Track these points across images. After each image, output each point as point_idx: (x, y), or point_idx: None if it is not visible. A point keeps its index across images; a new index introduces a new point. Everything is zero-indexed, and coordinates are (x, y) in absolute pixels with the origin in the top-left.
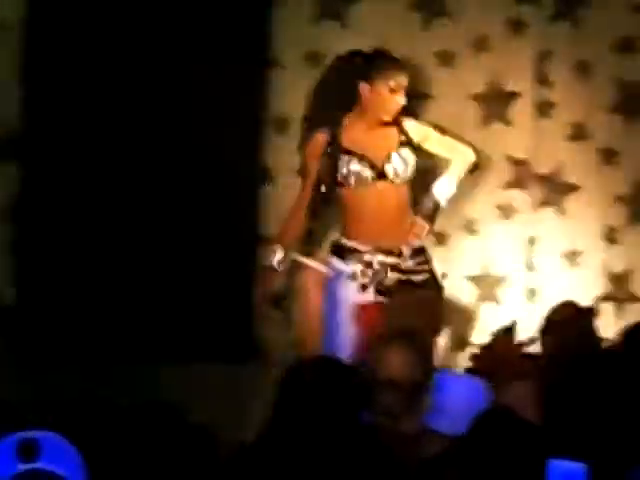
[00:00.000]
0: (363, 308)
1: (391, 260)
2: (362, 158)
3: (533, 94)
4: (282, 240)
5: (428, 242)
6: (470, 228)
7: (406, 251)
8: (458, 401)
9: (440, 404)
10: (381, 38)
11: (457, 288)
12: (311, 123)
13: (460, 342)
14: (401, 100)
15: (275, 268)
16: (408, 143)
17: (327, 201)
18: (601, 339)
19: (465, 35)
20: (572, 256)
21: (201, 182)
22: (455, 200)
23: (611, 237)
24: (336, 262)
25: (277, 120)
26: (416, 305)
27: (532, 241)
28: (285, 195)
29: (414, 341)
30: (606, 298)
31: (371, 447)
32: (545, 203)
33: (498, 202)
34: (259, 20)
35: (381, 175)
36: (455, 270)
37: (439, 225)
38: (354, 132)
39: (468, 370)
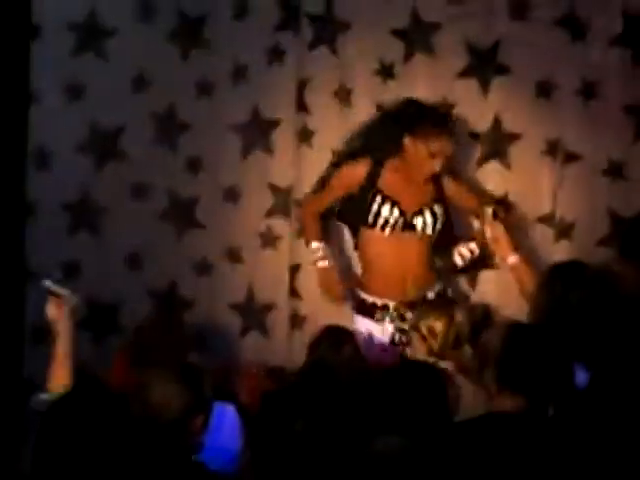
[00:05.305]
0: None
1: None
2: (394, 204)
3: (294, 121)
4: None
5: None
6: (234, 256)
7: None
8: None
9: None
10: (140, 69)
11: (221, 316)
12: (347, 157)
13: None
14: (437, 166)
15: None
16: (441, 199)
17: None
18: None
19: (224, 65)
20: None
21: None
22: (217, 229)
23: None
24: (362, 320)
25: (38, 154)
26: None
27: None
28: (49, 229)
29: None
30: None
31: None
32: None
33: (260, 230)
34: (19, 54)
35: (409, 226)
36: (219, 299)
37: (202, 252)
38: (391, 177)
39: None
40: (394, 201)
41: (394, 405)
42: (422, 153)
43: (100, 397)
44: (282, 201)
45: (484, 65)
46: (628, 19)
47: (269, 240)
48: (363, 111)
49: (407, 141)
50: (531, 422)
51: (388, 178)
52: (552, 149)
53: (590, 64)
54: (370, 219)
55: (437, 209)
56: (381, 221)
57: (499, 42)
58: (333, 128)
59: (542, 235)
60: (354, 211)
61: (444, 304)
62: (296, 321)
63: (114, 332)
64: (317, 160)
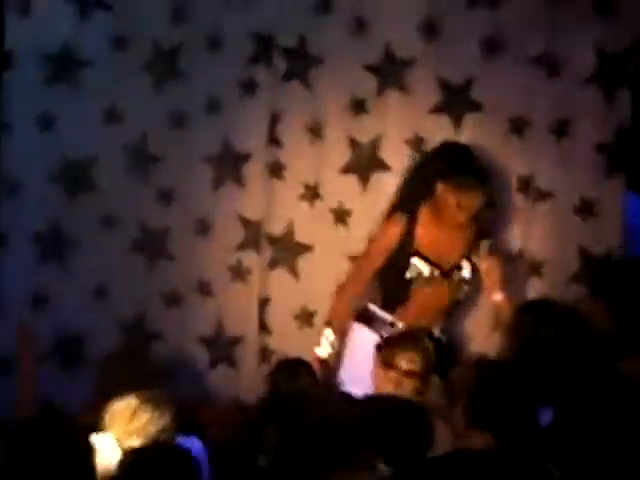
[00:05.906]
0: None
1: None
2: (432, 264)
3: (265, 154)
4: (333, 322)
5: None
6: (203, 288)
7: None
8: None
9: None
10: (113, 100)
11: (190, 349)
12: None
13: None
14: (463, 218)
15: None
16: (484, 234)
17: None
18: None
19: (197, 96)
20: (307, 316)
21: None
22: (188, 261)
23: None
24: (365, 331)
25: (8, 183)
26: None
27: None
28: (18, 259)
29: None
30: None
31: None
32: (277, 264)
33: (230, 263)
34: None
35: (447, 276)
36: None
37: (172, 283)
38: (426, 231)
39: None
40: (433, 263)
41: (367, 438)
42: (450, 203)
43: (59, 431)
44: (252, 234)
45: (456, 101)
46: (602, 57)
47: (239, 273)
48: (335, 145)
49: (440, 187)
50: (499, 460)
51: (423, 234)
52: (524, 186)
53: (563, 102)
54: (407, 277)
55: (475, 258)
56: (419, 281)
57: (472, 79)
58: (305, 162)
59: (513, 272)
60: (388, 273)
61: (414, 335)
62: (265, 355)
63: (81, 363)
64: (288, 194)
